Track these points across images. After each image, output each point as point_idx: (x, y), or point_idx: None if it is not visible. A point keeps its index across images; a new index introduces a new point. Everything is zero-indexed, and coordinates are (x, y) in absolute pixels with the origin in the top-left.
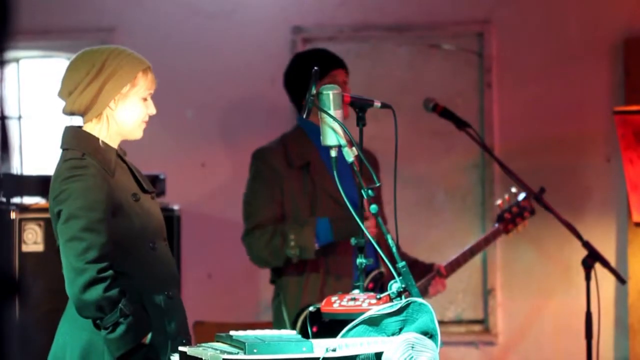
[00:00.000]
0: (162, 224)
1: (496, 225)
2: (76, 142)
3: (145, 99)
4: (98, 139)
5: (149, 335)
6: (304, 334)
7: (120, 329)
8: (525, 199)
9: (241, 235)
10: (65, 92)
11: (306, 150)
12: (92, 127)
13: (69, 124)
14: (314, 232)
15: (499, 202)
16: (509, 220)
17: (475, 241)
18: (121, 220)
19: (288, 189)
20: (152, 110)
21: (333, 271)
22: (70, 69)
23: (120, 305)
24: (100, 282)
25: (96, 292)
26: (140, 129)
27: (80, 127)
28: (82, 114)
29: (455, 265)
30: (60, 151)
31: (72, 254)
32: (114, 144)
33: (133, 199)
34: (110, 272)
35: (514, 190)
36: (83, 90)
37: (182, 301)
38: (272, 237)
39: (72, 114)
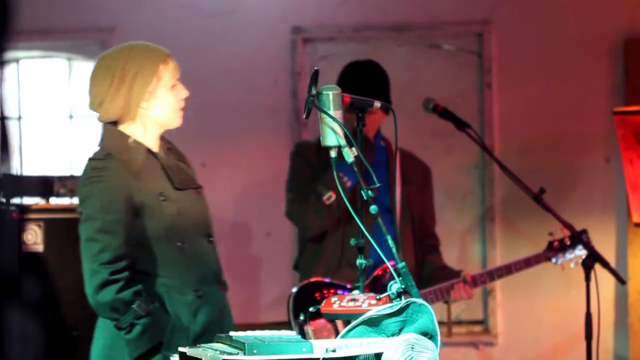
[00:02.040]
0: (200, 221)
1: (543, 250)
2: (106, 141)
3: (173, 86)
4: (128, 137)
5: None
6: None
7: (136, 329)
8: (582, 234)
9: (284, 212)
10: (96, 103)
11: None
12: (127, 126)
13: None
14: (340, 173)
15: (553, 230)
16: (558, 249)
17: (515, 260)
18: (145, 221)
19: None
20: (184, 94)
21: (348, 258)
22: (93, 80)
23: (133, 306)
24: (113, 283)
25: (109, 293)
26: (177, 117)
27: (115, 124)
28: (118, 120)
29: (487, 277)
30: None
31: (88, 255)
32: (152, 139)
33: (160, 199)
34: (125, 273)
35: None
36: (112, 100)
37: (225, 297)
38: (307, 199)
39: (108, 121)
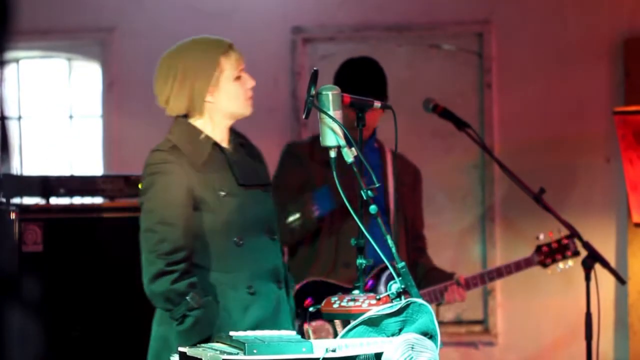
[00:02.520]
0: (262, 218)
1: (531, 254)
2: (172, 133)
3: (238, 77)
4: (200, 132)
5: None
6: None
7: (188, 321)
8: (569, 238)
9: None
10: (162, 100)
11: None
12: (196, 121)
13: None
14: (312, 200)
15: (540, 235)
16: (547, 254)
17: (505, 264)
18: (203, 215)
19: (309, 179)
20: (250, 84)
21: (343, 258)
22: (157, 80)
23: (187, 298)
24: (168, 274)
25: (163, 284)
26: (246, 106)
27: (186, 116)
28: (185, 115)
29: (478, 280)
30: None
31: (147, 245)
32: (221, 133)
33: (221, 194)
34: (181, 265)
35: (562, 231)
36: (176, 98)
37: (283, 295)
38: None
39: (176, 115)
